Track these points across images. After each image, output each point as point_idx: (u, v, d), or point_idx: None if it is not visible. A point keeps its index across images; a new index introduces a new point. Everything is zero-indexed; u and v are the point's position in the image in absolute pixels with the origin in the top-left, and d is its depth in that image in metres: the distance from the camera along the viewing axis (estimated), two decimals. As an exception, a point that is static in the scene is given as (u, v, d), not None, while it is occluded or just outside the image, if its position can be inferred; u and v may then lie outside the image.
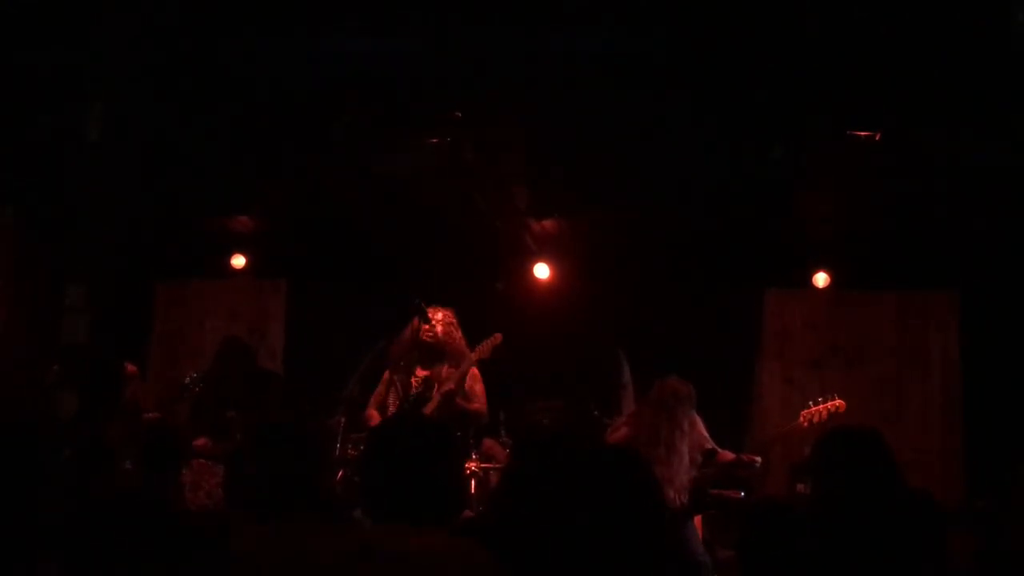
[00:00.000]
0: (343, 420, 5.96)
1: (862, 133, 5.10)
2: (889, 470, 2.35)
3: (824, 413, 5.59)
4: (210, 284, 7.96)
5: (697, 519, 5.46)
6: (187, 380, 6.02)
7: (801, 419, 5.60)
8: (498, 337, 5.67)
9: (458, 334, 5.73)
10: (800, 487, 5.92)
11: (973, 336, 7.00)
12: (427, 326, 5.65)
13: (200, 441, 5.78)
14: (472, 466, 5.50)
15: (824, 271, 7.16)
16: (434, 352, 5.68)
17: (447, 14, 4.58)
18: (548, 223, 7.18)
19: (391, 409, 5.70)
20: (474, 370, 5.71)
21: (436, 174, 6.02)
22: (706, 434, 5.24)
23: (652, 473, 2.00)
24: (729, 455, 5.19)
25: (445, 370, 5.67)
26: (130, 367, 5.72)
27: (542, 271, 7.41)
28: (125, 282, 7.09)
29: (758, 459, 5.19)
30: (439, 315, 5.72)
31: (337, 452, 5.83)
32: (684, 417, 5.05)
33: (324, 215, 7.09)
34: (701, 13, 4.52)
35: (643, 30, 4.64)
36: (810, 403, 5.65)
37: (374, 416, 5.76)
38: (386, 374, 5.82)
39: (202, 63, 4.91)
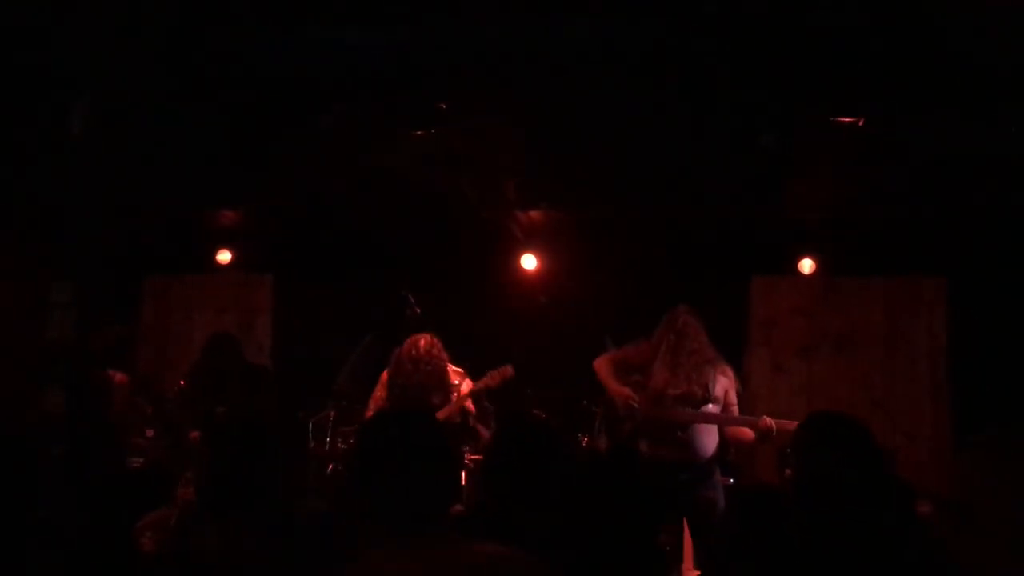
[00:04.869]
0: (332, 414, 5.96)
1: (846, 120, 5.11)
2: (869, 453, 2.36)
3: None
4: (197, 278, 7.94)
5: None
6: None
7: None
8: (509, 370, 5.60)
9: (442, 365, 5.62)
10: (788, 472, 5.94)
11: (960, 321, 7.03)
12: (415, 352, 5.57)
13: (192, 434, 5.77)
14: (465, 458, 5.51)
15: (810, 258, 7.19)
16: (418, 389, 5.59)
17: (435, 2, 4.55)
18: (535, 214, 7.18)
19: None
20: (469, 383, 5.67)
21: (423, 166, 6.00)
22: (734, 399, 5.17)
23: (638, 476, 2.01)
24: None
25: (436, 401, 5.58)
26: (118, 376, 5.65)
27: (529, 262, 7.42)
28: (111, 278, 7.06)
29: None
30: (421, 344, 5.62)
31: (327, 446, 5.84)
32: (689, 337, 5.06)
33: (310, 208, 7.07)
34: (688, 2, 4.51)
35: (629, 19, 4.63)
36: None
37: None
38: (384, 375, 5.76)
39: (186, 56, 4.88)
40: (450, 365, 5.70)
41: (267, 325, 7.82)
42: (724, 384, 5.11)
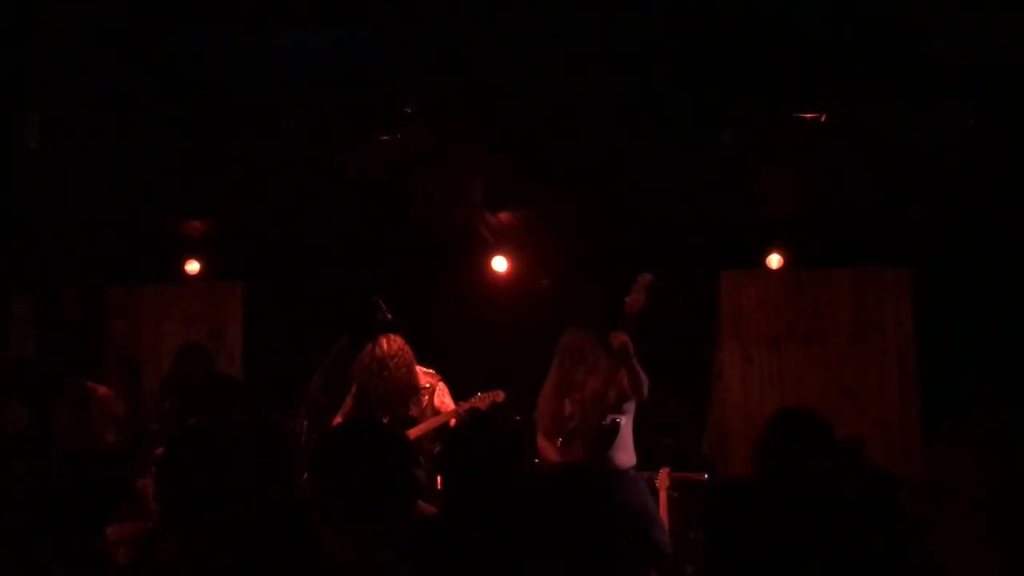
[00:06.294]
0: (305, 422, 5.91)
1: (808, 115, 5.17)
2: (825, 445, 2.41)
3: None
4: (166, 289, 7.87)
5: (663, 503, 5.49)
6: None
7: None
8: (500, 395, 5.50)
9: (408, 364, 5.59)
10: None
11: (926, 309, 7.12)
12: (379, 353, 5.53)
13: (162, 449, 5.70)
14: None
15: (777, 252, 7.24)
16: (386, 391, 5.55)
17: (397, 4, 4.54)
18: (504, 215, 7.18)
19: None
20: (443, 386, 5.64)
21: (391, 169, 5.98)
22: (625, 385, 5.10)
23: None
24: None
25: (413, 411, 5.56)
26: (102, 389, 5.58)
27: (500, 264, 7.41)
28: (76, 290, 6.99)
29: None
30: (385, 345, 5.59)
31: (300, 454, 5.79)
32: (577, 360, 5.06)
33: (277, 215, 7.02)
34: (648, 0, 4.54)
35: (590, 18, 4.65)
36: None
37: None
38: (353, 387, 5.73)
39: (147, 63, 4.84)
40: (418, 366, 5.67)
41: (238, 334, 7.76)
42: (616, 390, 5.05)
